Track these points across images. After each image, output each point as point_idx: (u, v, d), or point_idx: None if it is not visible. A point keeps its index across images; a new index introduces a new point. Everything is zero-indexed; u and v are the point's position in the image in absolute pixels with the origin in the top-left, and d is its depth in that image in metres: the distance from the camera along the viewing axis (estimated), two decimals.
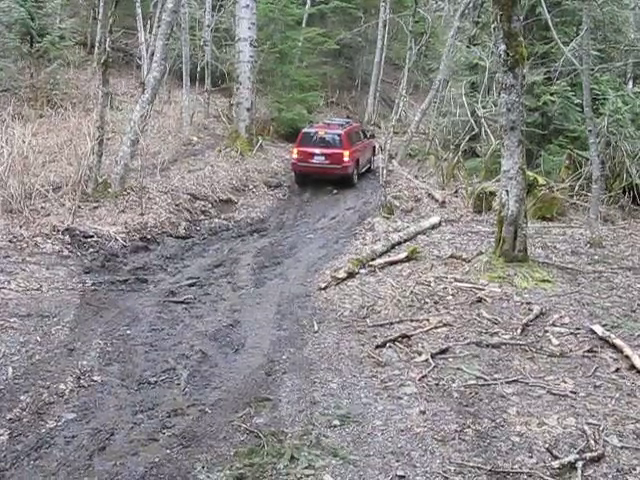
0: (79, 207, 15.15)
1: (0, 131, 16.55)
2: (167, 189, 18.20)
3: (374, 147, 24.82)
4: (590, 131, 14.97)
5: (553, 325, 9.77)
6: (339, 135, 21.52)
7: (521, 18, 11.87)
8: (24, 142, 16.02)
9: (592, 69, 16.32)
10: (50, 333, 9.76)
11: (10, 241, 13.12)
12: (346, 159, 21.08)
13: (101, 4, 20.98)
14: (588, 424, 7.15)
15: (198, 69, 27.47)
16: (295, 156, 21.65)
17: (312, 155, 21.23)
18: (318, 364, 8.94)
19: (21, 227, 13.78)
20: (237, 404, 7.94)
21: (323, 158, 21.14)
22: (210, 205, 18.90)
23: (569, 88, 19.82)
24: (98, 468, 6.73)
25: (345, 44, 35.89)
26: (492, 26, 11.81)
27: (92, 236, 14.31)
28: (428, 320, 10.13)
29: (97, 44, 27.85)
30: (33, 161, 16.33)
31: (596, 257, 13.13)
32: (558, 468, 6.44)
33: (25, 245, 13.15)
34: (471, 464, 6.59)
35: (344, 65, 37.34)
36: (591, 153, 15.26)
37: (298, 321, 10.58)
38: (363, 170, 23.17)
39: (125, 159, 17.32)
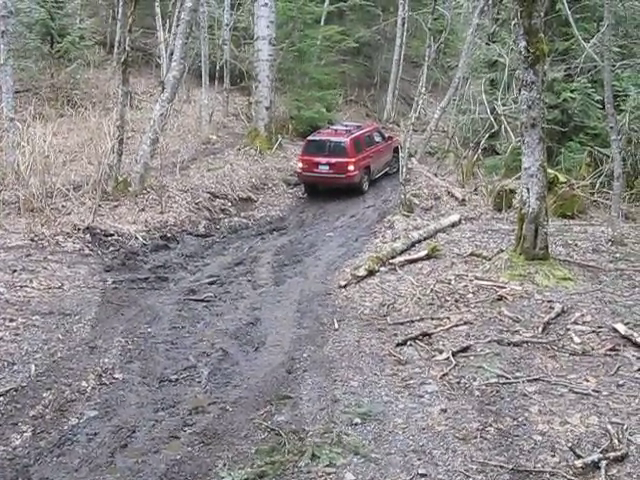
0: (99, 206, 15.26)
1: (21, 131, 16.70)
2: (187, 188, 18.27)
3: (396, 148, 23.84)
4: (611, 128, 14.81)
5: (575, 323, 9.66)
6: (344, 143, 20.72)
7: (542, 14, 11.75)
8: (45, 141, 16.16)
9: (613, 65, 16.14)
10: (72, 331, 9.85)
11: (32, 240, 13.24)
12: (351, 168, 20.35)
13: (120, 4, 21.10)
14: (611, 423, 7.08)
15: (217, 68, 27.45)
16: (300, 165, 20.94)
17: (317, 164, 20.49)
18: (339, 362, 8.93)
19: (42, 226, 13.89)
20: (258, 402, 7.97)
21: (328, 167, 20.38)
22: (230, 203, 18.96)
23: (589, 85, 19.60)
24: (120, 465, 6.79)
25: (364, 42, 35.75)
26: (512, 23, 11.72)
27: (112, 234, 14.42)
28: (449, 318, 10.09)
29: (117, 44, 28.12)
30: (54, 160, 16.48)
31: (618, 255, 12.99)
32: (581, 467, 6.39)
33: (46, 244, 13.26)
34: (493, 463, 6.55)
35: (363, 63, 37.20)
36: (612, 150, 15.10)
37: (318, 319, 10.59)
38: (379, 175, 22.49)
39: (145, 158, 17.40)
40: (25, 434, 7.28)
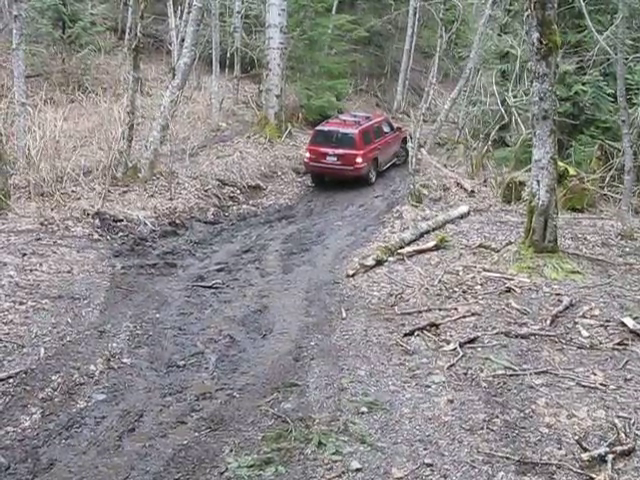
0: (109, 191, 15.30)
1: (32, 115, 16.72)
2: (196, 175, 18.26)
3: (404, 139, 23.66)
4: (623, 121, 14.77)
5: (583, 317, 9.66)
6: (352, 135, 20.53)
7: (555, 6, 11.69)
8: (55, 126, 16.17)
9: (626, 58, 16.06)
10: (80, 315, 9.90)
11: (42, 224, 13.28)
12: (359, 160, 20.19)
13: None
14: (618, 417, 7.09)
15: (228, 55, 27.40)
16: (307, 155, 20.77)
17: (324, 155, 20.30)
18: (346, 351, 8.96)
19: (52, 210, 13.94)
20: (265, 389, 8.00)
21: (335, 158, 20.18)
22: (238, 191, 18.93)
23: (601, 78, 19.54)
24: (127, 449, 6.83)
25: (375, 31, 35.60)
26: (525, 14, 11.65)
27: (122, 220, 14.45)
28: (456, 309, 10.09)
29: (128, 30, 28.02)
30: (64, 145, 16.50)
31: (627, 249, 12.95)
32: (587, 461, 6.40)
33: (56, 228, 13.31)
34: (499, 454, 6.57)
35: (374, 53, 37.05)
36: (624, 144, 15.06)
37: (326, 308, 10.61)
38: (387, 166, 22.37)
39: (155, 144, 17.41)
40: (34, 416, 7.34)
